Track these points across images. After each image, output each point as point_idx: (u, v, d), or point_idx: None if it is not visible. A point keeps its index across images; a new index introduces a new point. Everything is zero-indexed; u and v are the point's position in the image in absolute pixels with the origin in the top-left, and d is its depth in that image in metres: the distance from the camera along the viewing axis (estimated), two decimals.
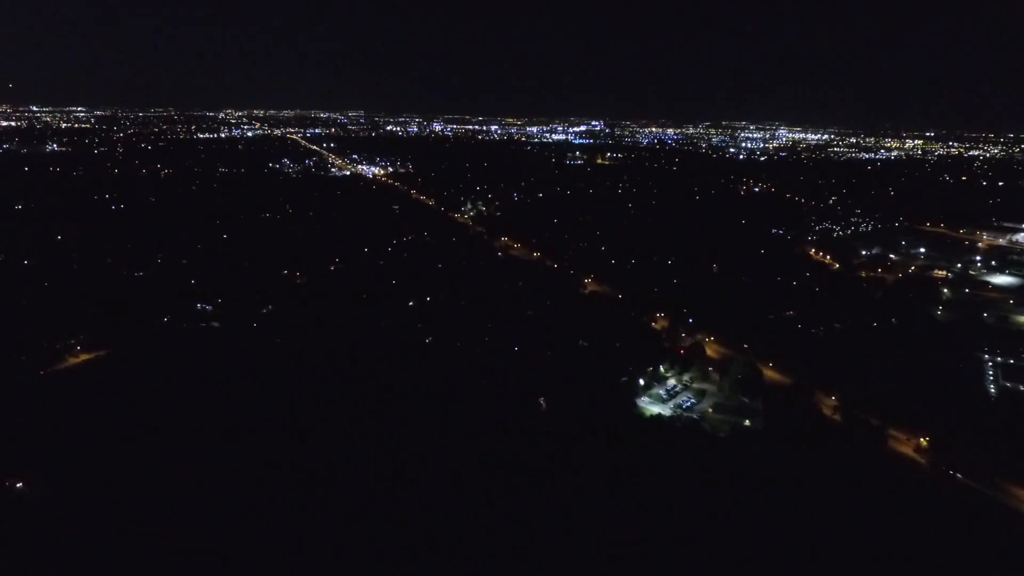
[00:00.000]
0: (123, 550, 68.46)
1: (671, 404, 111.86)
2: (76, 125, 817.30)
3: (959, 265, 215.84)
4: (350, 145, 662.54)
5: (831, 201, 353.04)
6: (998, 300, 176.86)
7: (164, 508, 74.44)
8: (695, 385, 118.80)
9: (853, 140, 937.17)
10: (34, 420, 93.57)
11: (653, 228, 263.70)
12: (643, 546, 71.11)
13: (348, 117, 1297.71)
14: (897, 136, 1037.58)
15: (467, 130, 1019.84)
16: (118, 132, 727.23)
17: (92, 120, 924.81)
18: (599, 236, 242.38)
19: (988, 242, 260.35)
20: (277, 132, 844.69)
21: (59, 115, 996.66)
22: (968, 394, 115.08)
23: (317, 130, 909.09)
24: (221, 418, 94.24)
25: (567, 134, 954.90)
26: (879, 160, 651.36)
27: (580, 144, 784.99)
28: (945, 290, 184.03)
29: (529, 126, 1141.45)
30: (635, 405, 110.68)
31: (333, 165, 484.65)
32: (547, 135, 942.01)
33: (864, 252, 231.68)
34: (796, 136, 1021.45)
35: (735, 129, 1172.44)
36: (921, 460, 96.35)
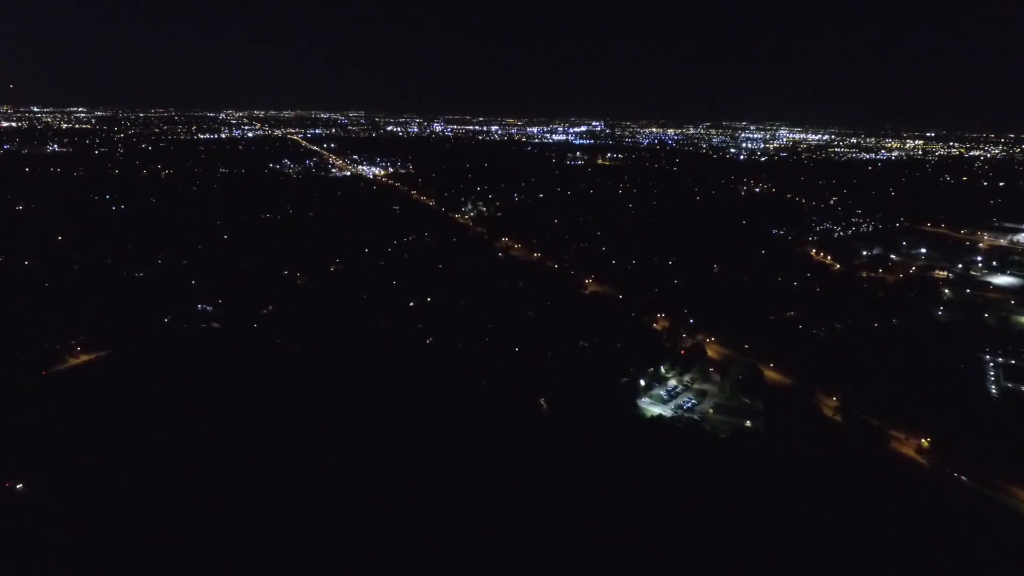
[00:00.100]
0: (123, 551, 68.35)
1: (672, 405, 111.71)
2: (77, 126, 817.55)
3: (960, 265, 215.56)
4: (350, 145, 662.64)
5: (832, 201, 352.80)
6: (999, 300, 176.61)
7: (164, 509, 74.32)
8: (696, 386, 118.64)
9: (854, 140, 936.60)
10: (34, 421, 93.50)
11: (653, 228, 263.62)
12: (644, 547, 70.95)
13: (348, 117, 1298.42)
14: (898, 136, 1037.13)
15: (467, 130, 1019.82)
16: (119, 133, 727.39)
17: (93, 121, 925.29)
18: (599, 236, 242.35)
19: (989, 242, 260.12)
20: (277, 132, 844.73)
21: (60, 116, 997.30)
22: (969, 395, 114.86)
23: (317, 130, 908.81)
24: (222, 419, 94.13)
25: (567, 134, 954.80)
26: (880, 160, 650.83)
27: (580, 144, 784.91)
28: (946, 290, 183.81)
29: (529, 126, 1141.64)
30: (636, 406, 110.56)
31: (333, 165, 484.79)
32: (547, 135, 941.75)
33: (865, 252, 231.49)
34: (797, 136, 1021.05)
35: (735, 129, 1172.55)
36: (922, 461, 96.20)
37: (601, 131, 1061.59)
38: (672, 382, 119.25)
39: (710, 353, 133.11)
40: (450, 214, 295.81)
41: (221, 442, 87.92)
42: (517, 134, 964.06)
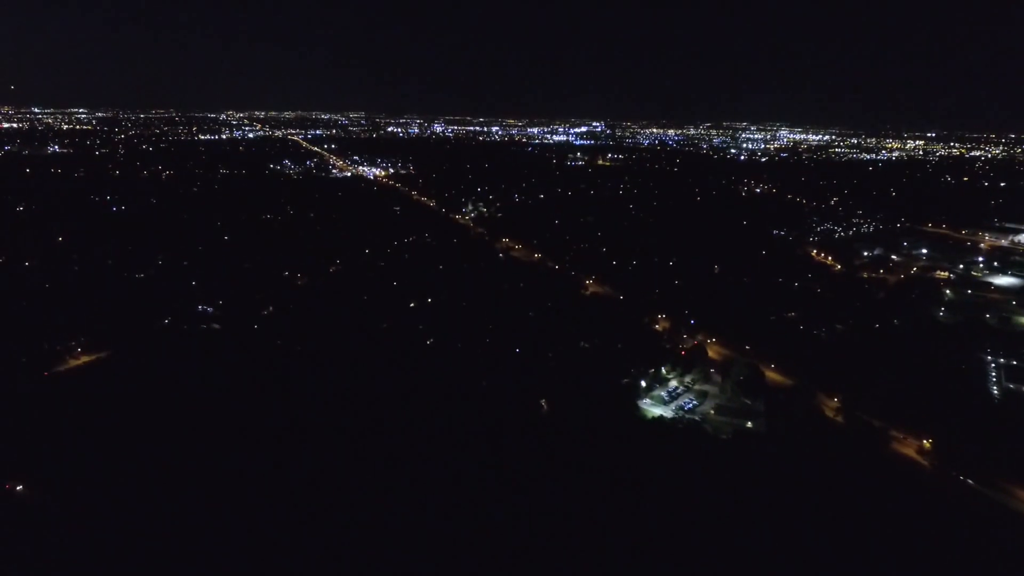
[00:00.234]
0: (124, 552, 68.27)
1: (673, 406, 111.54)
2: (77, 127, 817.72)
3: (961, 266, 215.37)
4: (351, 146, 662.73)
5: (832, 202, 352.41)
6: (1000, 301, 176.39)
7: (165, 510, 74.22)
8: (697, 387, 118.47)
9: (854, 141, 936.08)
10: (34, 422, 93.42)
11: (654, 229, 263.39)
12: (645, 548, 70.81)
13: (349, 118, 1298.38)
14: (898, 137, 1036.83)
15: (468, 131, 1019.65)
16: (119, 133, 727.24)
17: (93, 122, 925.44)
18: (600, 237, 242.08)
19: (990, 243, 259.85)
20: (278, 133, 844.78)
21: (61, 117, 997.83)
22: (971, 396, 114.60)
23: (318, 131, 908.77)
24: (222, 420, 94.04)
25: (568, 135, 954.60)
26: (880, 161, 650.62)
27: (581, 145, 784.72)
28: (947, 291, 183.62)
29: (530, 127, 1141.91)
30: (637, 407, 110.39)
31: (334, 166, 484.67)
32: (548, 136, 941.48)
33: (866, 253, 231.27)
34: (797, 137, 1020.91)
35: (736, 130, 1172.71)
36: (923, 462, 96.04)
37: (601, 132, 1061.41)
38: (673, 383, 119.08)
39: (711, 354, 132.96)
40: (450, 215, 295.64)
41: (221, 443, 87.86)
42: (517, 135, 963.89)
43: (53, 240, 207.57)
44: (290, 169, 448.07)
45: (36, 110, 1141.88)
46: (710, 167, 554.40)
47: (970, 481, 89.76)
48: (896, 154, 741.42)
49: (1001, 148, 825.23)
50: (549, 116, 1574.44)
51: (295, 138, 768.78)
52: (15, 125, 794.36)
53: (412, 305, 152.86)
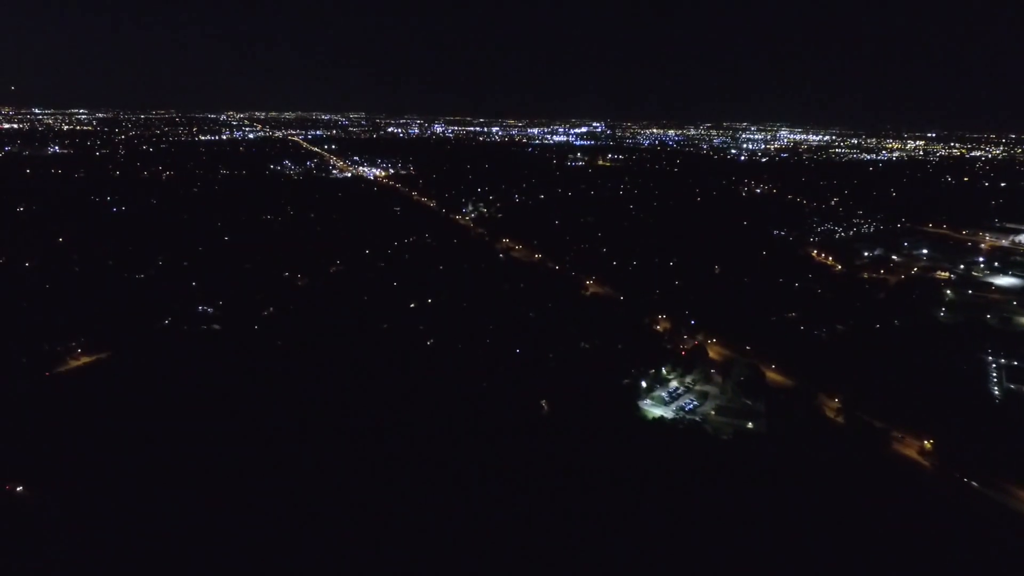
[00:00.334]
0: (124, 554, 68.22)
1: (673, 406, 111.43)
2: (78, 127, 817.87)
3: (962, 266, 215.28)
4: (351, 147, 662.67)
5: (833, 202, 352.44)
6: (1001, 301, 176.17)
7: (165, 511, 74.17)
8: (697, 387, 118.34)
9: (855, 141, 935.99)
10: (34, 423, 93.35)
11: (654, 229, 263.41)
12: (646, 549, 70.73)
13: (349, 119, 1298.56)
14: (899, 137, 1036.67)
15: (468, 132, 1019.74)
16: (120, 134, 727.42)
17: (94, 122, 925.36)
18: (600, 237, 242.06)
19: (991, 243, 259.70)
20: (278, 134, 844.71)
21: (61, 117, 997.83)
22: (972, 396, 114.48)
23: (318, 132, 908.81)
24: (222, 421, 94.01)
25: (568, 135, 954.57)
26: (881, 161, 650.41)
27: (581, 145, 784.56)
28: (948, 291, 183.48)
29: (530, 127, 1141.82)
30: (637, 407, 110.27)
31: (334, 167, 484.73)
32: (548, 136, 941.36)
33: (866, 253, 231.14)
34: (797, 137, 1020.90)
35: (736, 130, 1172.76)
36: (925, 463, 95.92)
37: (602, 132, 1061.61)
38: (673, 384, 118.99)
39: (711, 354, 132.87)
40: (451, 215, 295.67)
41: (222, 444, 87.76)
42: (518, 135, 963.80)
43: (53, 240, 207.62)
44: (290, 170, 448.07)
45: (36, 111, 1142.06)
46: (710, 167, 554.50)
47: (971, 482, 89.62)
48: (896, 154, 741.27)
49: (1001, 148, 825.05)
50: (549, 116, 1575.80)
51: (295, 138, 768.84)
52: (15, 126, 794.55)
53: (412, 306, 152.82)
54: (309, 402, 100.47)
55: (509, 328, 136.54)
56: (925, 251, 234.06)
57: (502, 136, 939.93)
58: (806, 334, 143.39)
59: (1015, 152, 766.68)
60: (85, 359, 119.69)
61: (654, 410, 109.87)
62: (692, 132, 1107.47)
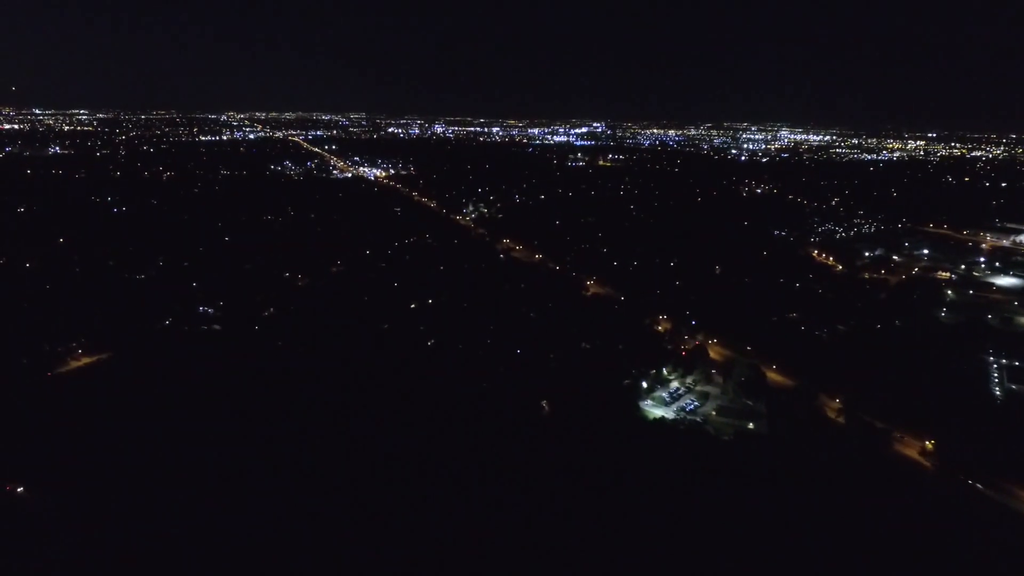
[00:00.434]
0: (124, 555, 68.17)
1: (674, 407, 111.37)
2: (78, 128, 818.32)
3: (962, 266, 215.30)
4: (352, 147, 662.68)
5: (834, 202, 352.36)
6: (1002, 302, 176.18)
7: (166, 512, 74.16)
8: (698, 388, 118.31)
9: (855, 141, 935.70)
10: (35, 423, 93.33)
11: (655, 230, 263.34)
12: (647, 550, 70.65)
13: (350, 119, 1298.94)
14: (899, 137, 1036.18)
15: (469, 132, 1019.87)
16: (120, 134, 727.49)
17: (94, 123, 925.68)
18: (601, 238, 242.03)
19: (991, 243, 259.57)
20: (279, 134, 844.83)
21: (61, 118, 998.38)
22: (973, 396, 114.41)
23: (319, 132, 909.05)
24: (223, 421, 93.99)
25: (568, 136, 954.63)
26: (881, 161, 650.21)
27: (582, 146, 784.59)
28: (949, 292, 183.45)
29: (531, 128, 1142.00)
30: (638, 408, 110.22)
31: (335, 167, 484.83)
32: (548, 137, 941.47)
33: (867, 253, 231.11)
34: (798, 137, 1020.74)
35: (737, 130, 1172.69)
36: (926, 463, 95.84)
37: (602, 132, 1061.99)
38: (674, 384, 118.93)
39: (712, 355, 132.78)
40: (451, 215, 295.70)
41: (222, 444, 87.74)
42: (518, 135, 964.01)
43: (54, 241, 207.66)
44: (291, 170, 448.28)
45: (37, 111, 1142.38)
46: (711, 167, 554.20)
47: (972, 482, 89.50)
48: (897, 154, 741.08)
49: (1002, 148, 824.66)
50: (550, 117, 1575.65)
51: (296, 139, 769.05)
52: (16, 126, 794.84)
53: (413, 306, 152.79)
54: (310, 402, 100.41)
55: (510, 329, 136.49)
56: (926, 251, 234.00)
57: (502, 136, 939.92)
58: (807, 334, 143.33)
59: (1016, 152, 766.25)
60: (86, 359, 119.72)
61: (655, 411, 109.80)
62: (692, 132, 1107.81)
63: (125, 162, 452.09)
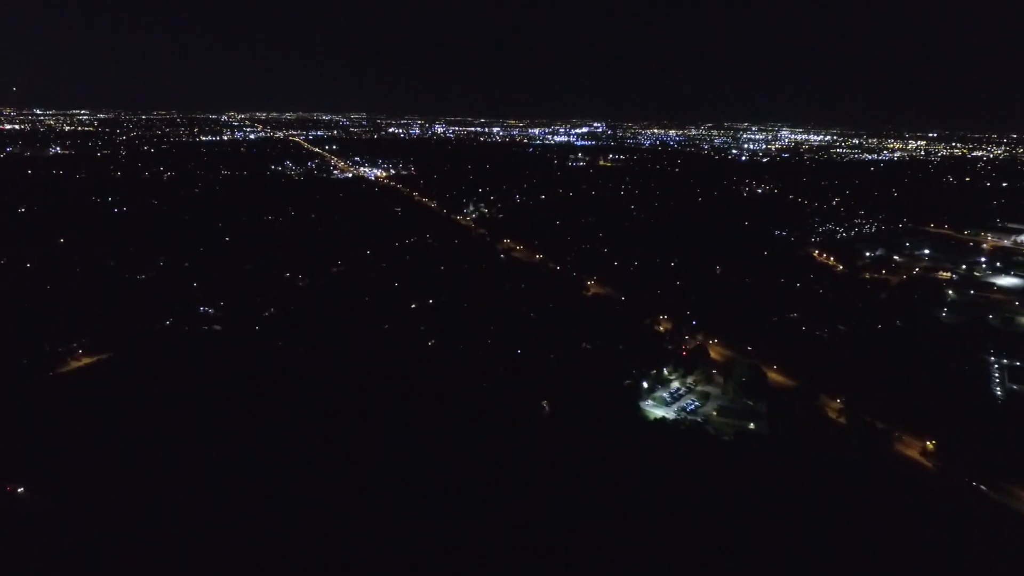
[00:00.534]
0: (124, 555, 68.11)
1: (675, 407, 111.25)
2: (79, 128, 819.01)
3: (963, 266, 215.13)
4: (352, 147, 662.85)
5: (834, 202, 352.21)
6: (1003, 302, 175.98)
7: (166, 512, 74.09)
8: (699, 388, 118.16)
9: (856, 141, 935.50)
10: (35, 423, 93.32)
11: (656, 230, 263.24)
12: (648, 550, 70.54)
13: (350, 119, 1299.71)
14: (900, 137, 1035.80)
15: (469, 132, 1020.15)
16: (121, 135, 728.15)
17: (95, 123, 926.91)
18: (602, 238, 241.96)
19: (992, 243, 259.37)
20: (279, 134, 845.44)
21: (62, 118, 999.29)
22: (974, 397, 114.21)
23: (319, 132, 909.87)
24: (223, 422, 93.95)
25: (569, 136, 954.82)
26: (882, 161, 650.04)
27: (582, 146, 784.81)
28: (950, 292, 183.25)
29: (531, 128, 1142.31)
30: (639, 408, 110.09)
31: (335, 167, 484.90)
32: (549, 137, 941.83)
33: (868, 253, 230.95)
34: (798, 137, 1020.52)
35: (737, 130, 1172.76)
36: (927, 463, 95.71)
37: (603, 132, 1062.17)
38: (675, 384, 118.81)
39: (713, 355, 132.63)
40: (452, 216, 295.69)
41: (223, 445, 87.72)
42: (519, 135, 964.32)
43: (55, 241, 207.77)
44: (291, 170, 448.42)
45: (38, 111, 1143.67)
46: (711, 167, 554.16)
47: (973, 482, 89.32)
48: (898, 154, 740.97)
49: (1003, 148, 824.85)
50: (550, 117, 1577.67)
51: (296, 139, 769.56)
52: (17, 127, 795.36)
53: (413, 306, 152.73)
54: (310, 403, 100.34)
55: (510, 329, 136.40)
56: (927, 251, 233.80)
57: (503, 136, 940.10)
58: (808, 334, 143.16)
59: (1016, 152, 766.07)
60: (86, 360, 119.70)
61: (655, 411, 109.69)
62: (693, 132, 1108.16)
63: (126, 162, 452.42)
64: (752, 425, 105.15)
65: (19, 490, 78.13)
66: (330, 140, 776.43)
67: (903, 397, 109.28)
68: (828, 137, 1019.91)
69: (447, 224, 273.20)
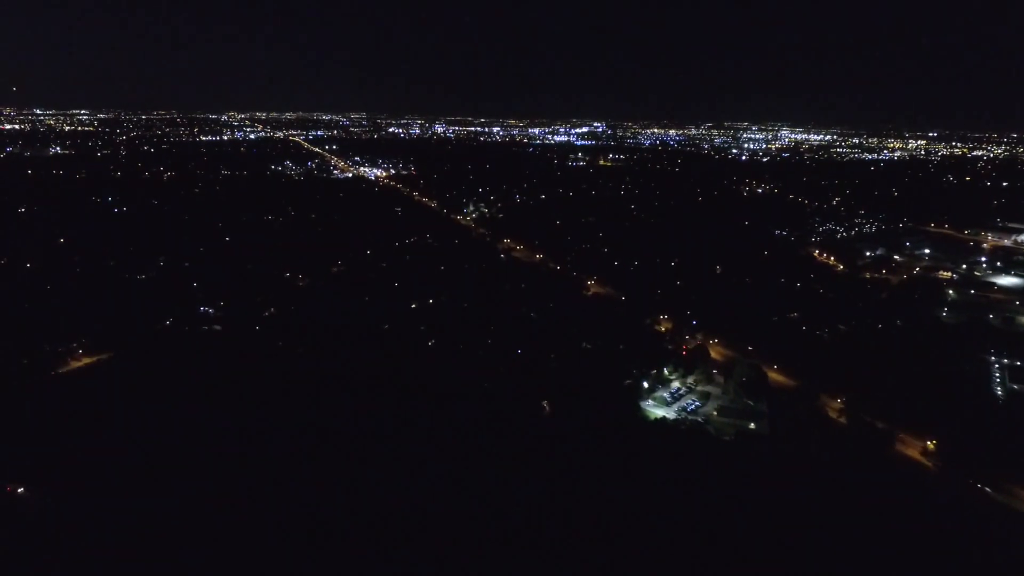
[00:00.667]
0: (124, 555, 68.05)
1: (675, 407, 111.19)
2: (79, 128, 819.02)
3: (964, 266, 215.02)
4: (352, 147, 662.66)
5: (834, 202, 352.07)
6: (1003, 301, 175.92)
7: (166, 512, 74.02)
8: (699, 388, 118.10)
9: (856, 140, 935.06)
10: (35, 423, 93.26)
11: (656, 229, 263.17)
12: (648, 550, 70.48)
13: (350, 119, 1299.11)
14: (900, 136, 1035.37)
15: (469, 132, 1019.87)
16: (121, 135, 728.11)
17: (95, 123, 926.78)
18: (602, 238, 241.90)
19: (993, 243, 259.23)
20: (279, 134, 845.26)
21: (62, 118, 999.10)
22: (974, 397, 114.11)
23: (319, 132, 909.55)
24: (224, 422, 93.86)
25: (569, 135, 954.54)
26: (882, 161, 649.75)
27: (582, 145, 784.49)
28: (950, 291, 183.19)
29: (531, 128, 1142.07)
30: (639, 408, 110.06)
31: (335, 167, 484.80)
32: (549, 137, 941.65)
33: (868, 253, 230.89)
34: (799, 137, 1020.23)
35: (737, 130, 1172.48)
36: (927, 463, 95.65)
37: (603, 132, 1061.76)
38: (675, 384, 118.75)
39: (713, 355, 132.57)
40: (452, 215, 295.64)
41: (223, 444, 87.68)
42: (519, 135, 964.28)
43: (55, 241, 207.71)
44: (291, 170, 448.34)
45: (38, 111, 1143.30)
46: (711, 167, 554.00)
47: (974, 482, 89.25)
48: (898, 154, 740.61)
49: (1003, 148, 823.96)
50: (550, 117, 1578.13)
51: (296, 139, 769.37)
52: (17, 127, 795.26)
53: (414, 306, 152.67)
54: (310, 403, 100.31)
55: (510, 328, 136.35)
56: (927, 251, 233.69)
57: (503, 136, 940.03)
58: (808, 334, 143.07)
59: (1017, 152, 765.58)
60: (87, 360, 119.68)
61: (656, 411, 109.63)
62: (693, 132, 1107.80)
63: (126, 162, 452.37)
64: (752, 425, 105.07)
65: (19, 490, 78.05)
66: (330, 140, 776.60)
67: (903, 397, 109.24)
68: (828, 137, 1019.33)
69: (447, 224, 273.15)
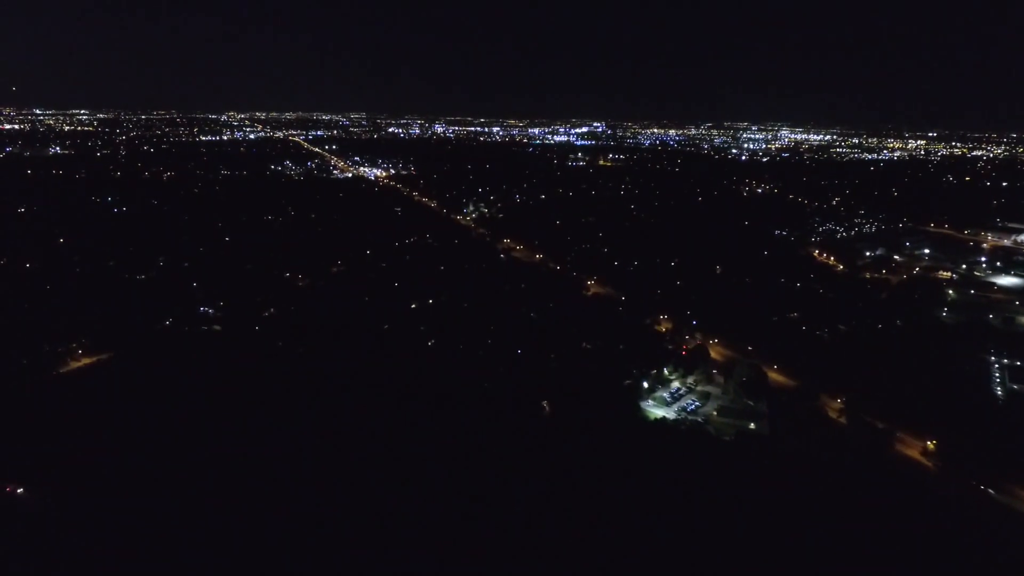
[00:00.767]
0: (124, 555, 68.04)
1: (675, 407, 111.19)
2: (79, 128, 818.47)
3: (964, 266, 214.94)
4: (352, 147, 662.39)
5: (834, 202, 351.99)
6: (1003, 301, 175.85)
7: (166, 512, 74.01)
8: (699, 388, 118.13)
9: (856, 140, 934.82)
10: (35, 424, 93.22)
11: (656, 229, 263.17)
12: (648, 550, 70.48)
13: (350, 119, 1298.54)
14: (900, 136, 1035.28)
15: (469, 132, 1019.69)
16: (120, 135, 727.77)
17: (95, 123, 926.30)
18: (602, 238, 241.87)
19: (992, 243, 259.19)
20: (279, 134, 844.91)
21: (62, 118, 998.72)
22: (974, 397, 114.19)
23: (319, 132, 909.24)
24: (223, 422, 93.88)
25: (569, 135, 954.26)
26: (882, 161, 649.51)
27: (582, 145, 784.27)
28: (950, 291, 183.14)
29: (531, 128, 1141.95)
30: (639, 408, 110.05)
31: (335, 167, 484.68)
32: (549, 137, 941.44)
33: (868, 253, 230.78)
34: (798, 137, 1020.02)
35: (737, 130, 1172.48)
36: (927, 463, 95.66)
37: (602, 132, 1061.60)
38: (675, 384, 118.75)
39: (713, 355, 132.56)
40: (452, 215, 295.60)
41: (223, 445, 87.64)
42: (519, 135, 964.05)
43: (54, 241, 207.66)
44: (291, 170, 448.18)
45: (37, 111, 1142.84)
46: (711, 167, 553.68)
47: (974, 482, 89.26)
48: (898, 154, 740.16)
49: (1003, 148, 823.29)
50: (550, 117, 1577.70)
51: (296, 139, 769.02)
52: (16, 126, 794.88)
53: (414, 306, 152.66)
54: (310, 403, 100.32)
55: (510, 328, 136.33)
56: (927, 251, 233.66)
57: (503, 136, 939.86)
58: (808, 334, 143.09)
59: (1016, 151, 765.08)
60: (86, 360, 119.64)
61: (656, 411, 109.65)
62: (693, 132, 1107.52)
63: (125, 162, 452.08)
64: (752, 425, 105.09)
65: (19, 490, 78.02)
66: (330, 140, 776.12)
67: (903, 397, 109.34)
68: (828, 137, 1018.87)
69: (447, 224, 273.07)
